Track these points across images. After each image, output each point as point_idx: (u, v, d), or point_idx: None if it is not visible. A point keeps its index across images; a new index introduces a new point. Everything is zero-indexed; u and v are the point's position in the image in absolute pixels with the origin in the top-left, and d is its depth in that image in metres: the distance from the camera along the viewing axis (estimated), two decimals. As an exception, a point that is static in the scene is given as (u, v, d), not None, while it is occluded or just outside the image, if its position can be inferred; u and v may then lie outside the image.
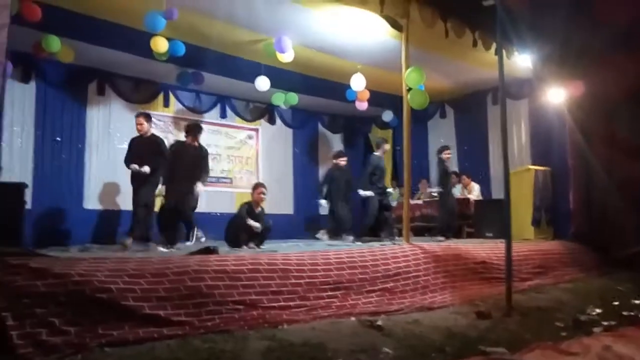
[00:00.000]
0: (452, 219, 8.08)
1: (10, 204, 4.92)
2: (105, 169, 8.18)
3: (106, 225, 7.88)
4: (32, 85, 7.48)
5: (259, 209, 6.66)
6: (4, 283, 2.96)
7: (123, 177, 8.26)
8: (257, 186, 6.87)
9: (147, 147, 6.62)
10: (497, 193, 8.85)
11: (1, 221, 4.54)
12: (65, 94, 7.90)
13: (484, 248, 6.24)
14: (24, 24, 5.47)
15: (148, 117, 6.85)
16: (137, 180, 6.53)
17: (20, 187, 5.61)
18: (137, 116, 6.85)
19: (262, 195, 6.70)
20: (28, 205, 6.15)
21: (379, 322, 3.97)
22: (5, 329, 2.82)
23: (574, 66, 7.45)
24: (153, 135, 6.89)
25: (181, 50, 6.56)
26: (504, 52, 5.33)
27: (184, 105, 9.23)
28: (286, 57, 7.06)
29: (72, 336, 2.99)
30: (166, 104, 9.08)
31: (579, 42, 7.12)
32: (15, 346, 2.79)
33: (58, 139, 7.74)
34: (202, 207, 9.06)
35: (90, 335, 3.06)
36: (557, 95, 7.75)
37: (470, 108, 9.93)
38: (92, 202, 8.00)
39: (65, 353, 2.90)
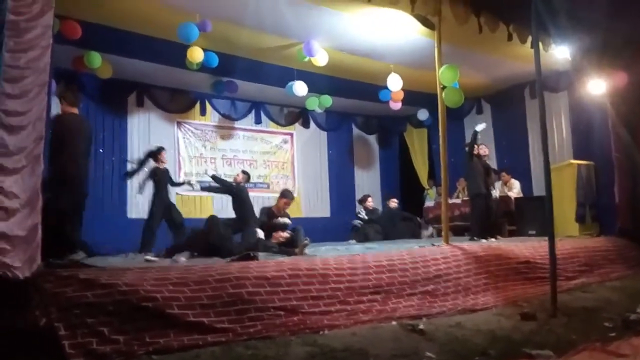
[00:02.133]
0: (482, 220, 7.48)
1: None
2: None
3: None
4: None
5: (285, 219, 6.53)
6: (55, 294, 3.08)
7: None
8: (283, 195, 6.86)
9: None
10: (539, 189, 8.61)
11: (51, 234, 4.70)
12: (106, 106, 8.19)
13: (526, 247, 6.10)
14: (63, 42, 5.68)
15: None
16: None
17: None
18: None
19: (286, 205, 6.70)
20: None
21: (421, 326, 3.93)
22: (58, 339, 2.93)
23: (617, 57, 7.20)
24: None
25: (214, 60, 6.72)
26: (540, 44, 5.20)
27: (219, 113, 9.39)
28: (320, 60, 7.09)
29: (121, 344, 3.08)
30: (203, 112, 9.28)
31: (622, 32, 6.88)
32: (67, 355, 2.90)
33: (101, 150, 8.00)
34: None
35: (138, 343, 3.14)
36: (598, 87, 7.48)
37: (508, 103, 9.72)
38: (135, 211, 8.22)
39: (115, 361, 2.99)
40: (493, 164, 8.88)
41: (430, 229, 9.49)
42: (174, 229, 7.08)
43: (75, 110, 5.20)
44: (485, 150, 7.82)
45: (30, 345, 2.97)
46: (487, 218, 7.48)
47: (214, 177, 7.54)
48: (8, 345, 2.92)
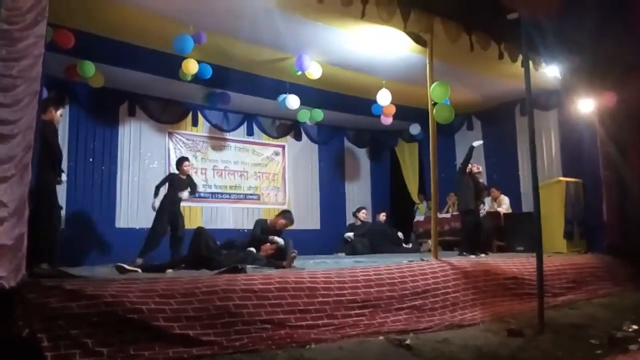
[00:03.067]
0: (472, 236, 7.59)
1: (45, 225, 5.04)
2: (136, 188, 8.37)
3: (139, 244, 8.03)
4: (65, 109, 7.71)
5: (278, 238, 6.31)
6: (39, 305, 3.05)
7: (152, 196, 8.47)
8: (285, 217, 6.74)
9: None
10: (528, 206, 8.67)
11: (37, 242, 4.65)
12: (98, 116, 8.14)
13: (514, 263, 6.14)
14: (55, 50, 5.67)
15: None
16: None
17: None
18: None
19: (283, 226, 6.65)
20: (62, 225, 6.32)
21: (408, 341, 3.94)
22: (41, 350, 2.90)
23: (606, 76, 7.32)
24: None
25: (208, 72, 6.76)
26: (530, 63, 5.28)
27: (211, 124, 9.38)
28: (314, 73, 7.13)
29: (105, 357, 3.05)
30: (195, 123, 9.26)
31: (611, 52, 7.00)
32: (50, 367, 2.86)
33: (91, 159, 7.96)
34: (230, 223, 9.18)
35: (122, 356, 3.11)
36: (587, 106, 7.61)
37: (498, 120, 9.82)
38: (123, 220, 8.17)
39: (98, 374, 2.96)
40: (483, 179, 8.92)
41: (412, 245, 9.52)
42: (173, 242, 7.14)
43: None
44: (479, 168, 7.90)
45: (13, 356, 2.93)
46: (477, 234, 7.52)
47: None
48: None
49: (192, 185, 7.62)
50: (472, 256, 6.90)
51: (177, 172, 7.63)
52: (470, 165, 7.61)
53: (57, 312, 3.05)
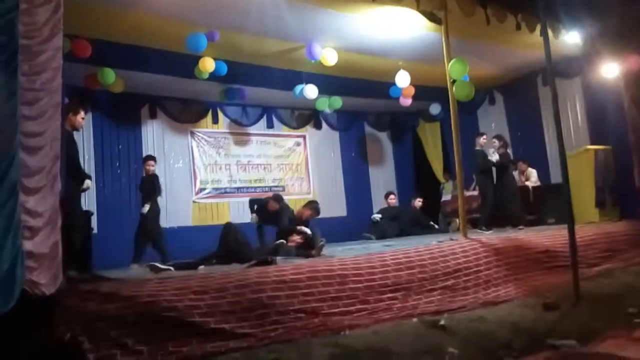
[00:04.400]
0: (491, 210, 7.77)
1: (79, 232, 5.18)
2: (163, 187, 8.48)
3: (168, 242, 8.18)
4: (88, 116, 7.87)
5: (305, 228, 6.33)
6: (78, 309, 3.15)
7: (180, 195, 8.61)
8: (312, 208, 6.73)
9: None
10: (557, 177, 8.48)
11: (73, 248, 4.79)
12: (120, 120, 8.31)
13: (545, 236, 6.05)
14: (74, 60, 5.78)
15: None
16: None
17: (87, 214, 5.92)
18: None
19: (310, 217, 6.64)
20: (94, 230, 6.49)
21: (442, 322, 3.93)
22: (83, 353, 2.99)
23: (630, 39, 7.08)
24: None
25: (223, 69, 6.81)
26: (550, 32, 5.14)
27: (231, 119, 9.46)
28: (330, 60, 7.09)
29: (145, 355, 3.14)
30: (215, 120, 9.35)
31: (635, 14, 6.76)
32: (93, 368, 2.96)
33: (117, 164, 8.14)
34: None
35: (162, 353, 3.20)
36: (611, 71, 7.39)
37: (520, 92, 9.62)
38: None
39: (140, 372, 3.05)
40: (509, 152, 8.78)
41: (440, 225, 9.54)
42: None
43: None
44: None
45: (58, 360, 3.04)
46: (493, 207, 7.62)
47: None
48: (36, 360, 2.99)
49: (156, 188, 6.99)
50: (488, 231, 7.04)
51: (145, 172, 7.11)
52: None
53: (95, 315, 3.14)
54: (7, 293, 2.84)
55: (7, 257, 2.91)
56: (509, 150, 8.63)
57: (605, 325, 3.62)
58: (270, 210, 6.85)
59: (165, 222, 8.32)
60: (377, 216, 9.25)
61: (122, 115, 8.30)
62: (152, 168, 7.01)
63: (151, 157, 7.19)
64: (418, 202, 9.88)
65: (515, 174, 9.00)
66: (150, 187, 6.94)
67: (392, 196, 9.79)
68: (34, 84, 3.36)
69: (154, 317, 3.28)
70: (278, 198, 7.09)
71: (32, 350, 3.01)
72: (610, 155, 7.98)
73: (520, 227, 7.53)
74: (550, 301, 4.43)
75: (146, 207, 6.77)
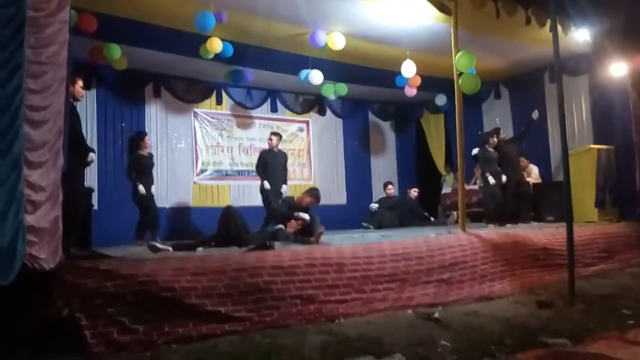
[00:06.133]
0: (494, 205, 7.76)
1: (81, 208, 5.19)
2: (165, 168, 8.51)
3: (169, 222, 8.22)
4: (92, 92, 7.85)
5: (304, 214, 6.35)
6: (77, 285, 3.17)
7: (181, 175, 8.61)
8: (312, 195, 6.70)
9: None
10: (558, 175, 8.49)
11: (73, 224, 4.80)
12: (124, 98, 8.28)
13: (544, 233, 6.06)
14: (79, 34, 5.73)
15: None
16: None
17: (89, 191, 5.93)
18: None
19: (310, 204, 6.62)
20: (95, 207, 6.51)
21: (436, 314, 3.96)
22: (80, 329, 3.02)
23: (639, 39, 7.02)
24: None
25: (229, 50, 6.75)
26: (560, 28, 5.10)
27: (235, 101, 9.43)
28: (338, 44, 7.02)
29: (141, 334, 3.17)
30: (219, 101, 9.32)
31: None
32: (89, 345, 3.00)
33: (119, 141, 8.12)
34: (257, 201, 9.31)
35: (157, 333, 3.22)
36: (619, 70, 7.34)
37: (527, 87, 9.55)
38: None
39: (135, 350, 3.08)
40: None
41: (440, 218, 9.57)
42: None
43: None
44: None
45: (54, 335, 3.07)
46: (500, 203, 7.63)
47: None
48: (33, 334, 3.02)
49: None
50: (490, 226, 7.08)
51: (140, 151, 7.28)
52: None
53: (93, 292, 3.17)
54: (8, 266, 2.85)
55: (8, 230, 2.92)
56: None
57: (598, 325, 3.65)
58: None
59: (165, 202, 8.38)
60: (375, 206, 9.34)
61: (126, 92, 8.28)
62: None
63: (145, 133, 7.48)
64: (414, 193, 9.99)
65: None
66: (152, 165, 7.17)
67: (390, 186, 9.90)
68: (40, 57, 3.34)
69: (151, 296, 3.30)
70: None
71: (29, 324, 3.04)
72: (612, 155, 7.95)
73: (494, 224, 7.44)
74: (545, 299, 4.46)
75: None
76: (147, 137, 7.39)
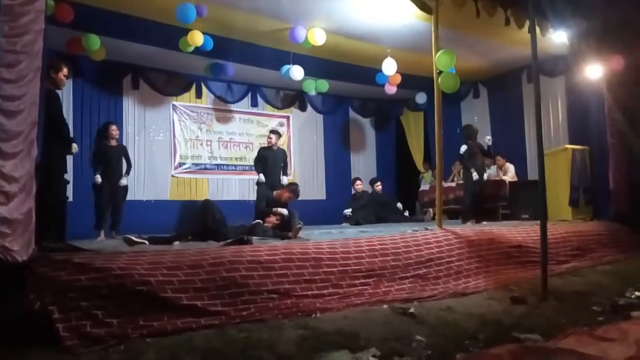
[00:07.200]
0: (471, 202, 7.83)
1: (60, 199, 5.10)
2: (142, 160, 8.41)
3: (146, 216, 8.12)
4: (69, 82, 7.70)
5: (283, 210, 6.44)
6: (50, 278, 3.11)
7: (158, 168, 8.52)
8: (291, 191, 6.77)
9: None
10: (534, 173, 8.59)
11: (52, 216, 4.71)
12: (102, 89, 8.16)
13: (519, 231, 6.16)
14: (56, 23, 5.61)
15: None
16: None
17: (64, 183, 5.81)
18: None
19: (288, 199, 6.67)
20: (70, 199, 6.40)
21: (412, 310, 3.99)
22: (52, 322, 2.97)
23: (615, 40, 7.18)
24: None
25: (210, 44, 6.69)
26: (538, 29, 5.17)
27: (215, 95, 9.36)
28: (318, 39, 7.02)
29: (115, 327, 3.12)
30: (198, 95, 9.25)
31: (620, 15, 6.84)
32: (62, 338, 2.94)
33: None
34: (236, 195, 9.27)
35: (132, 327, 3.18)
36: (595, 72, 7.49)
37: (505, 87, 9.70)
38: (130, 193, 8.21)
39: (109, 344, 3.04)
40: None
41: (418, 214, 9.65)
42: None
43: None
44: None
45: (26, 329, 3.02)
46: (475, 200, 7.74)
47: None
48: (3, 328, 2.96)
49: (127, 157, 7.12)
50: (468, 223, 7.12)
51: (106, 140, 6.98)
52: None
53: (67, 285, 3.11)
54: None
55: (-21, 222, 2.86)
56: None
57: (569, 321, 3.72)
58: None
59: (142, 194, 8.29)
60: (348, 211, 9.27)
61: (103, 83, 8.15)
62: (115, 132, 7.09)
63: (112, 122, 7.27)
64: (377, 187, 9.97)
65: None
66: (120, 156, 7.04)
67: (358, 182, 9.86)
68: (15, 46, 3.27)
69: (126, 290, 3.26)
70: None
71: (1, 317, 2.98)
72: (587, 155, 8.12)
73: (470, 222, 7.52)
74: (518, 295, 4.54)
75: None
76: (113, 127, 7.03)
